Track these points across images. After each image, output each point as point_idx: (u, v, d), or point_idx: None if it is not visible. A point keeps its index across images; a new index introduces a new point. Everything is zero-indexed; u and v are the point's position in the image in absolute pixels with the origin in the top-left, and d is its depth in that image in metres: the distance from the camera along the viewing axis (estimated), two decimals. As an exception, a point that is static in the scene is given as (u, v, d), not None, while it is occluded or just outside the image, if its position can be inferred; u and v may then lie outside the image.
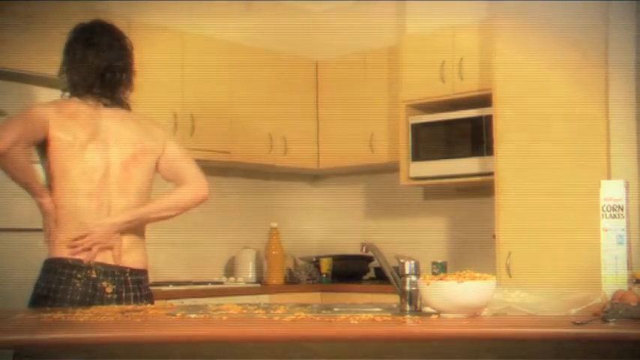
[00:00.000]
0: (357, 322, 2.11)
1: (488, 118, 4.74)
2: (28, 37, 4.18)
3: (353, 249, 3.16)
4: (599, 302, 2.18)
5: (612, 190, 2.42)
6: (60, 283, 2.82)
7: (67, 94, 3.00)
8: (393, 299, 2.53)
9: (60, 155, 2.85)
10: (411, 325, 2.17)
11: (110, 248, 2.90)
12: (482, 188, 4.93)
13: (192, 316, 2.29)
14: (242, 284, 5.24)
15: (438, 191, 5.55)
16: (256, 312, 2.38)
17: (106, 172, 2.91)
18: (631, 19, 4.24)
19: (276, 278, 5.37)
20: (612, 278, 2.38)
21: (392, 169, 5.41)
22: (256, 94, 5.40)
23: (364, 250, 2.59)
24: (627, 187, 2.43)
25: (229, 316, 2.28)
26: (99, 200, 2.89)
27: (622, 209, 2.40)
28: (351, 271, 5.60)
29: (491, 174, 4.68)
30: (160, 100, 4.69)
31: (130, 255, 2.94)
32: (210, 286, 5.01)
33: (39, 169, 2.90)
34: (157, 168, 3.05)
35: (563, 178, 4.32)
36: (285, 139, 5.56)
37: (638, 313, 2.08)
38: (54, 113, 2.87)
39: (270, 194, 5.89)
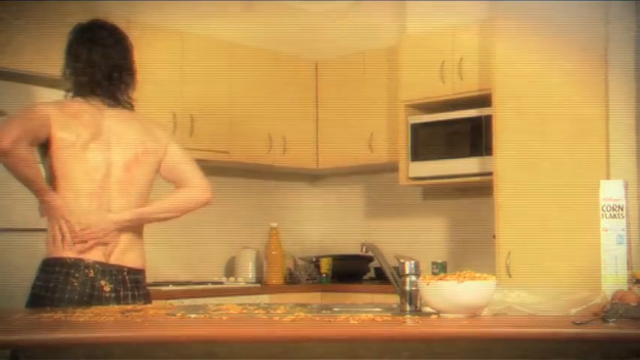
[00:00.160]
0: (357, 322, 2.11)
1: (488, 118, 4.74)
2: (28, 37, 4.18)
3: (353, 249, 3.16)
4: (599, 302, 2.18)
5: (612, 190, 2.43)
6: (58, 283, 2.81)
7: (71, 94, 3.00)
8: (393, 299, 2.53)
9: (62, 155, 2.85)
10: (411, 325, 2.17)
11: (105, 244, 2.90)
12: (482, 188, 4.93)
13: (192, 316, 2.29)
14: (242, 284, 5.24)
15: (437, 191, 5.55)
16: (256, 312, 2.39)
17: (107, 172, 2.91)
18: (631, 19, 4.24)
19: (276, 278, 5.37)
20: (612, 278, 2.38)
21: (391, 169, 5.41)
22: (256, 94, 5.40)
23: (364, 250, 2.59)
24: (627, 187, 2.43)
25: (229, 316, 2.28)
26: (100, 200, 2.89)
27: (622, 209, 2.40)
28: (351, 271, 5.60)
29: (490, 174, 4.68)
30: (159, 100, 4.69)
31: (127, 254, 2.94)
32: (210, 286, 5.01)
33: (41, 169, 2.89)
34: (157, 169, 3.06)
35: (563, 178, 4.32)
36: (285, 139, 5.56)
37: (638, 313, 2.08)
38: (56, 112, 2.87)
39: (270, 194, 5.89)
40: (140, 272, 2.98)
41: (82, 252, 2.86)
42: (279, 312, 2.36)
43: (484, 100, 4.78)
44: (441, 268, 5.04)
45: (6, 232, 3.98)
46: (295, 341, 2.07)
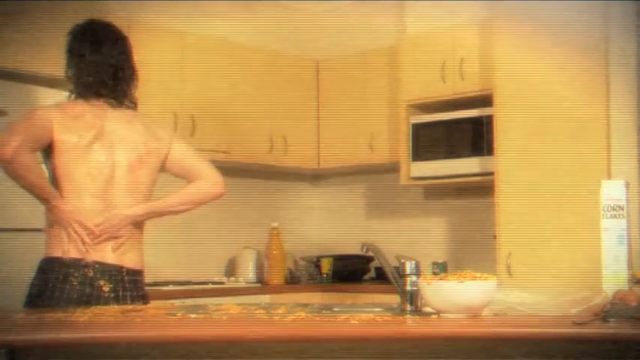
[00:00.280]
0: (357, 322, 2.11)
1: (489, 118, 4.74)
2: (28, 37, 4.18)
3: (353, 249, 3.16)
4: (599, 302, 2.18)
5: (613, 190, 2.42)
6: (57, 282, 2.81)
7: (73, 95, 2.99)
8: (393, 299, 2.53)
9: (65, 157, 2.84)
10: (411, 325, 2.17)
11: (117, 238, 2.90)
12: (483, 188, 4.93)
13: (193, 316, 2.29)
14: (242, 284, 5.24)
15: (438, 191, 5.55)
16: (256, 312, 2.38)
17: (111, 173, 2.90)
18: (631, 18, 4.23)
19: (276, 278, 5.37)
20: (613, 278, 2.38)
21: (392, 169, 5.41)
22: (256, 94, 5.40)
23: (364, 250, 2.59)
24: (627, 187, 2.43)
25: (229, 316, 2.28)
26: (104, 202, 2.89)
27: (622, 209, 2.40)
28: (352, 271, 5.60)
29: (491, 174, 4.68)
30: (160, 100, 4.69)
31: (127, 255, 2.93)
32: (210, 286, 5.01)
33: (45, 174, 2.89)
34: (163, 168, 3.06)
35: (564, 178, 4.31)
36: (286, 139, 5.55)
37: (639, 313, 2.08)
38: (58, 115, 2.85)
39: (271, 194, 5.89)
40: (139, 273, 2.98)
41: (96, 245, 2.86)
42: (280, 312, 2.36)
43: (485, 100, 4.77)
44: (441, 268, 5.04)
45: (6, 232, 3.98)
46: (295, 341, 2.07)
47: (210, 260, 5.46)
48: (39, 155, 2.87)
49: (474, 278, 2.14)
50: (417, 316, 2.30)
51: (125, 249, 2.93)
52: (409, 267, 2.40)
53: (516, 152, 4.52)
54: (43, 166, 2.89)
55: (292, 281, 5.50)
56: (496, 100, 4.63)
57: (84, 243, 2.85)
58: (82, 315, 2.33)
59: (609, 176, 4.13)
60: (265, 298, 4.93)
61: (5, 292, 3.34)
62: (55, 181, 2.87)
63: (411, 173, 5.25)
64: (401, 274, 2.40)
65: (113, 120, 2.95)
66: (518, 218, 4.48)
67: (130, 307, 2.64)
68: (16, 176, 2.76)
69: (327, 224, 6.04)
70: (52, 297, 2.79)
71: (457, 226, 5.45)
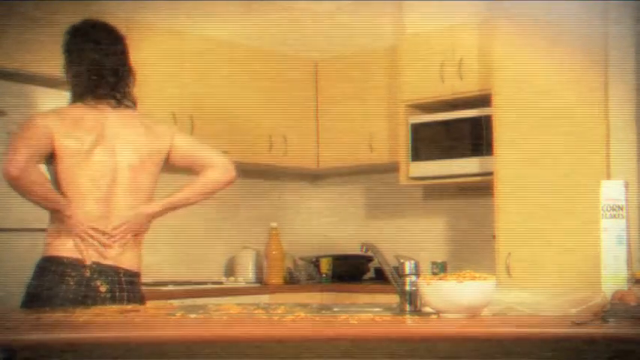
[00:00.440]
0: (357, 322, 2.11)
1: (488, 118, 4.74)
2: (28, 37, 4.18)
3: (353, 249, 3.16)
4: (599, 302, 2.18)
5: (612, 190, 2.43)
6: (53, 281, 2.81)
7: (71, 99, 2.97)
8: (393, 299, 2.53)
9: (67, 163, 2.84)
10: (411, 325, 2.17)
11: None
12: (482, 188, 4.93)
13: (192, 316, 2.29)
14: (242, 284, 5.24)
15: (437, 191, 5.55)
16: (256, 312, 2.39)
17: (113, 177, 2.90)
18: (630, 18, 4.24)
19: (276, 278, 5.37)
20: (612, 278, 2.38)
21: (392, 169, 5.41)
22: (256, 94, 5.40)
23: (364, 250, 2.59)
24: (627, 187, 2.44)
25: (229, 316, 2.28)
26: (107, 205, 2.89)
27: (622, 209, 2.40)
28: (351, 271, 5.60)
29: (490, 174, 4.68)
30: (159, 99, 4.69)
31: (124, 255, 2.93)
32: (210, 286, 5.01)
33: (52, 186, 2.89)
34: (170, 163, 3.05)
35: (563, 178, 4.31)
36: (285, 138, 5.55)
37: (638, 313, 2.08)
38: (57, 122, 2.84)
39: (270, 194, 5.89)
40: (135, 275, 2.97)
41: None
42: (279, 312, 2.36)
43: (484, 100, 4.77)
44: (440, 268, 5.03)
45: (6, 232, 3.98)
46: (295, 341, 2.07)
47: (210, 260, 5.46)
48: (44, 168, 2.87)
49: (473, 278, 2.15)
50: (417, 316, 2.30)
51: (123, 250, 2.93)
52: (408, 267, 2.40)
53: (515, 152, 4.52)
54: (46, 172, 2.89)
55: (291, 281, 5.49)
56: (495, 100, 4.63)
57: (104, 246, 2.86)
58: (82, 315, 2.33)
59: (608, 176, 4.13)
60: (265, 298, 4.93)
61: (5, 292, 3.34)
62: (57, 186, 2.86)
63: (410, 173, 5.25)
64: (400, 274, 2.40)
65: (113, 123, 2.94)
66: (517, 218, 4.48)
67: (129, 307, 2.64)
68: (25, 192, 2.77)
69: (327, 224, 6.04)
70: (47, 296, 2.79)
71: (456, 226, 5.45)
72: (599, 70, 4.26)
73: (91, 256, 2.86)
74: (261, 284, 5.33)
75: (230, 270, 5.52)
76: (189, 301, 4.21)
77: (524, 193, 4.46)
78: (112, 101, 2.96)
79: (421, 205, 5.66)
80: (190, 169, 3.11)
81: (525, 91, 4.49)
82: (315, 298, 5.25)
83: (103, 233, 2.86)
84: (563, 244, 4.25)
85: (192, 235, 5.27)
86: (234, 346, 2.07)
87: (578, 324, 1.98)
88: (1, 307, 3.08)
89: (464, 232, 5.37)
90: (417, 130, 5.21)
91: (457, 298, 2.14)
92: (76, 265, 2.84)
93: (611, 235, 2.40)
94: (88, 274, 2.85)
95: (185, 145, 3.08)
